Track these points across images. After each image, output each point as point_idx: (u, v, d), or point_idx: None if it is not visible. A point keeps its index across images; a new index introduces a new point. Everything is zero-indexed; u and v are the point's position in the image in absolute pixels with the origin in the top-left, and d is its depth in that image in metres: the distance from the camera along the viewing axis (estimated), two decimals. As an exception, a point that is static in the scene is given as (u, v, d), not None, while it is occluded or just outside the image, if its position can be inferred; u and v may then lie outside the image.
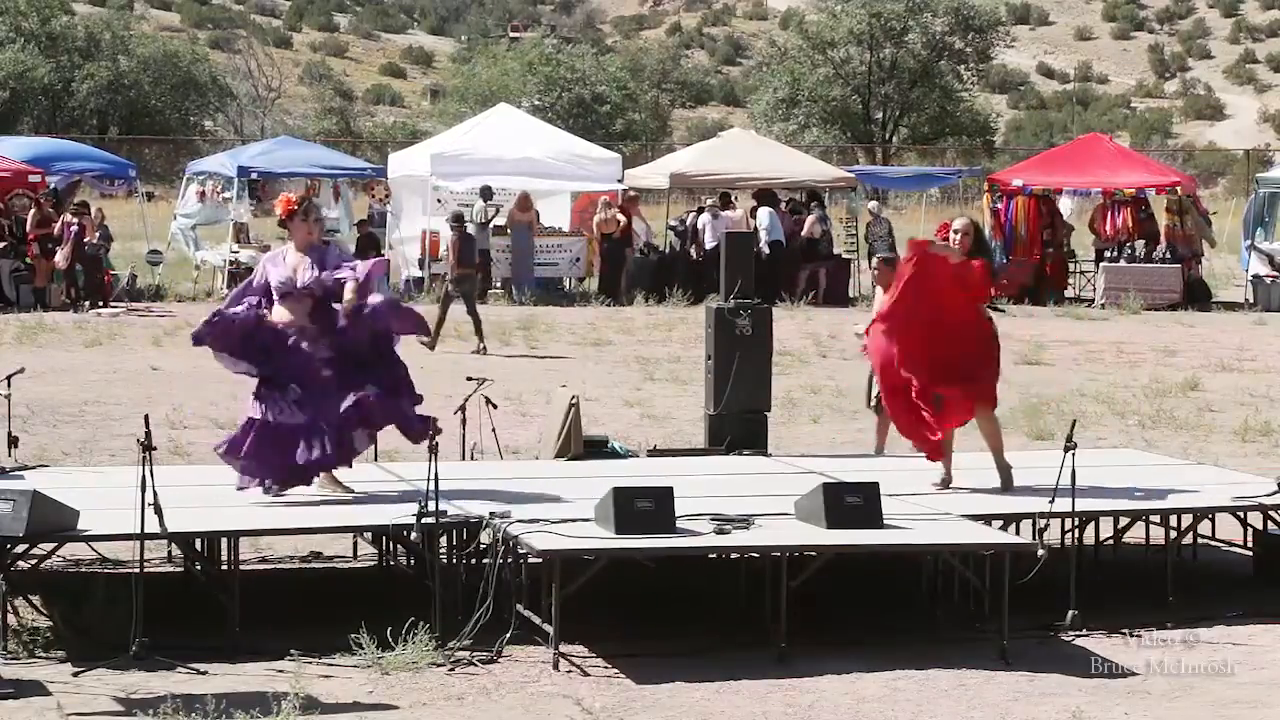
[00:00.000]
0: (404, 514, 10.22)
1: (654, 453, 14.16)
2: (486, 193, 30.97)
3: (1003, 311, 26.82)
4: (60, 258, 29.17)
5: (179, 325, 24.47)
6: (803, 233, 32.32)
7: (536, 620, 10.04)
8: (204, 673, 9.39)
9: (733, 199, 33.72)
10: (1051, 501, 10.76)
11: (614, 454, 13.38)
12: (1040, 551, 10.43)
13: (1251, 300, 32.81)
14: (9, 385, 12.85)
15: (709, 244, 30.67)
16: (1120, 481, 12.10)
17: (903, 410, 11.94)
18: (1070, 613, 10.54)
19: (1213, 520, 12.38)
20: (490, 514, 10.45)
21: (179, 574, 11.60)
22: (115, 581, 10.79)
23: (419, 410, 11.26)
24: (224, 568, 10.62)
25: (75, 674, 9.34)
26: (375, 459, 12.28)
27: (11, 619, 10.12)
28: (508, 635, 9.92)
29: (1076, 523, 11.58)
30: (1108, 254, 33.22)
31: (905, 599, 11.23)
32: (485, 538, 10.48)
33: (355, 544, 12.35)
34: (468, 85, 72.61)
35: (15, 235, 29.73)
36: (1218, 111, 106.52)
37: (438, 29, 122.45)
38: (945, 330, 11.80)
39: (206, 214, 34.34)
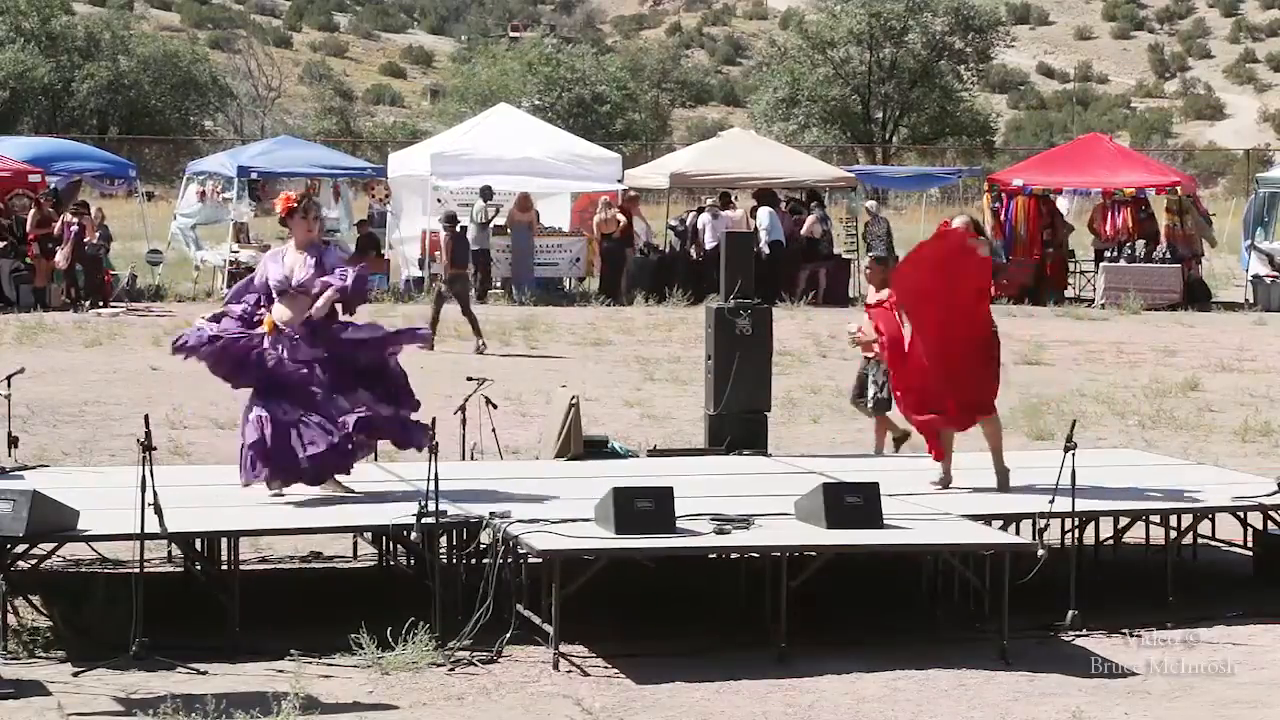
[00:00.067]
0: (404, 514, 10.23)
1: (654, 453, 14.17)
2: (486, 193, 30.97)
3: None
4: (60, 258, 29.17)
5: (179, 325, 24.38)
6: (802, 232, 32.31)
7: (536, 620, 10.05)
8: (204, 673, 9.39)
9: (733, 199, 33.71)
10: (1051, 501, 10.77)
11: (614, 454, 13.38)
12: (1040, 551, 10.43)
13: (1251, 300, 32.80)
14: (9, 385, 12.85)
15: (709, 244, 30.67)
16: (1120, 481, 12.10)
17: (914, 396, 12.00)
18: (1070, 613, 10.54)
19: (1213, 520, 12.38)
20: (490, 514, 10.45)
21: (179, 574, 11.60)
22: (115, 581, 10.79)
23: (416, 417, 11.29)
24: (224, 568, 10.63)
25: (75, 674, 9.34)
26: (375, 459, 12.28)
27: (11, 619, 10.12)
28: (508, 635, 9.92)
29: (1076, 523, 11.58)
30: (1108, 254, 33.21)
31: (905, 599, 11.23)
32: (485, 538, 10.49)
33: (355, 544, 12.35)
34: (468, 85, 72.60)
35: (15, 235, 29.73)
36: (1218, 111, 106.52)
37: (438, 29, 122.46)
38: (953, 341, 11.86)
39: (206, 214, 34.34)
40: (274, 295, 11.25)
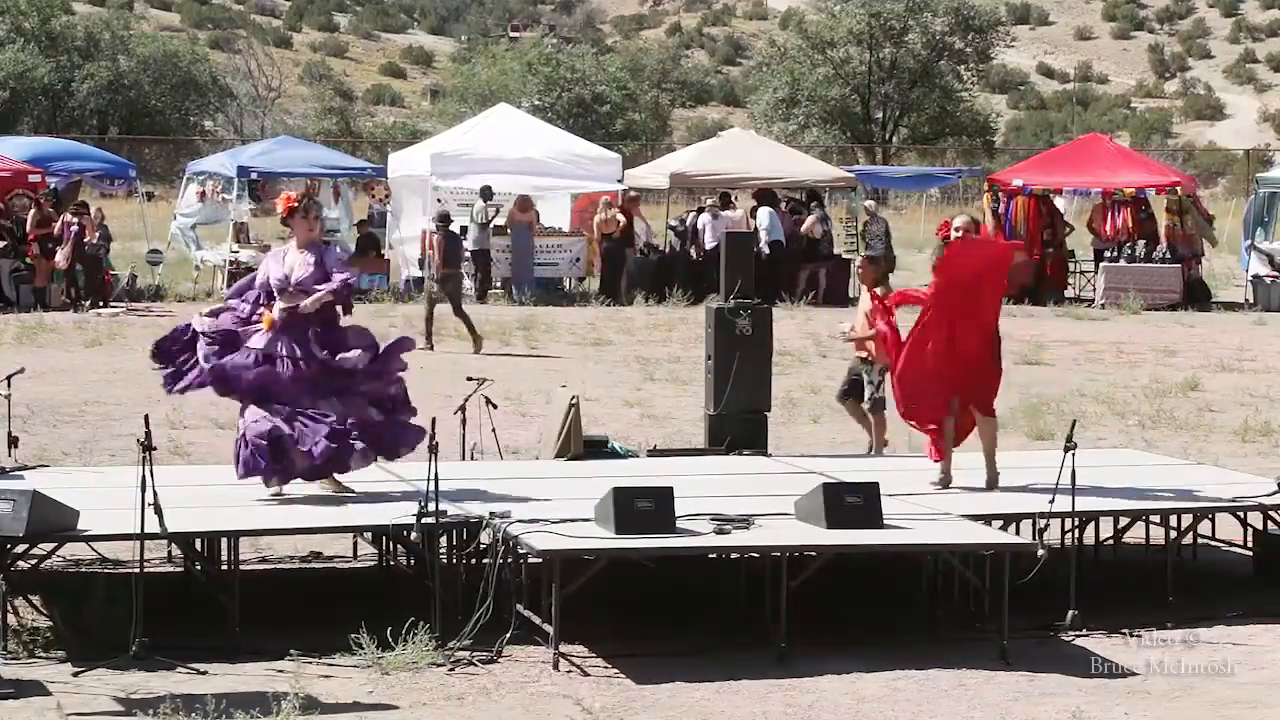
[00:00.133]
0: (404, 514, 10.23)
1: (654, 453, 14.17)
2: (486, 193, 30.97)
3: None
4: (60, 258, 29.17)
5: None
6: (802, 230, 32.29)
7: (536, 620, 10.05)
8: (204, 673, 9.39)
9: (733, 199, 33.70)
10: (1051, 501, 10.77)
11: (614, 454, 13.38)
12: (1040, 551, 10.44)
13: (1251, 300, 32.80)
14: (9, 385, 12.86)
15: (709, 244, 30.66)
16: (1120, 481, 12.10)
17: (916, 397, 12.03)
18: (1070, 613, 10.55)
19: (1213, 520, 12.38)
20: (490, 514, 10.45)
21: (179, 574, 11.60)
22: (115, 581, 10.79)
23: (415, 421, 11.32)
24: (224, 568, 10.63)
25: (75, 674, 9.34)
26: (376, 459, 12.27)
27: (11, 619, 10.13)
28: (508, 635, 9.92)
29: (1076, 523, 11.59)
30: (1108, 254, 33.20)
31: (905, 599, 11.23)
32: (485, 538, 10.49)
33: (355, 544, 12.35)
34: (468, 85, 72.61)
35: (15, 235, 29.73)
36: (1218, 111, 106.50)
37: (438, 29, 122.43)
38: (966, 335, 11.89)
39: (206, 214, 34.34)
40: (274, 294, 11.28)
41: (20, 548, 9.88)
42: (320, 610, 10.74)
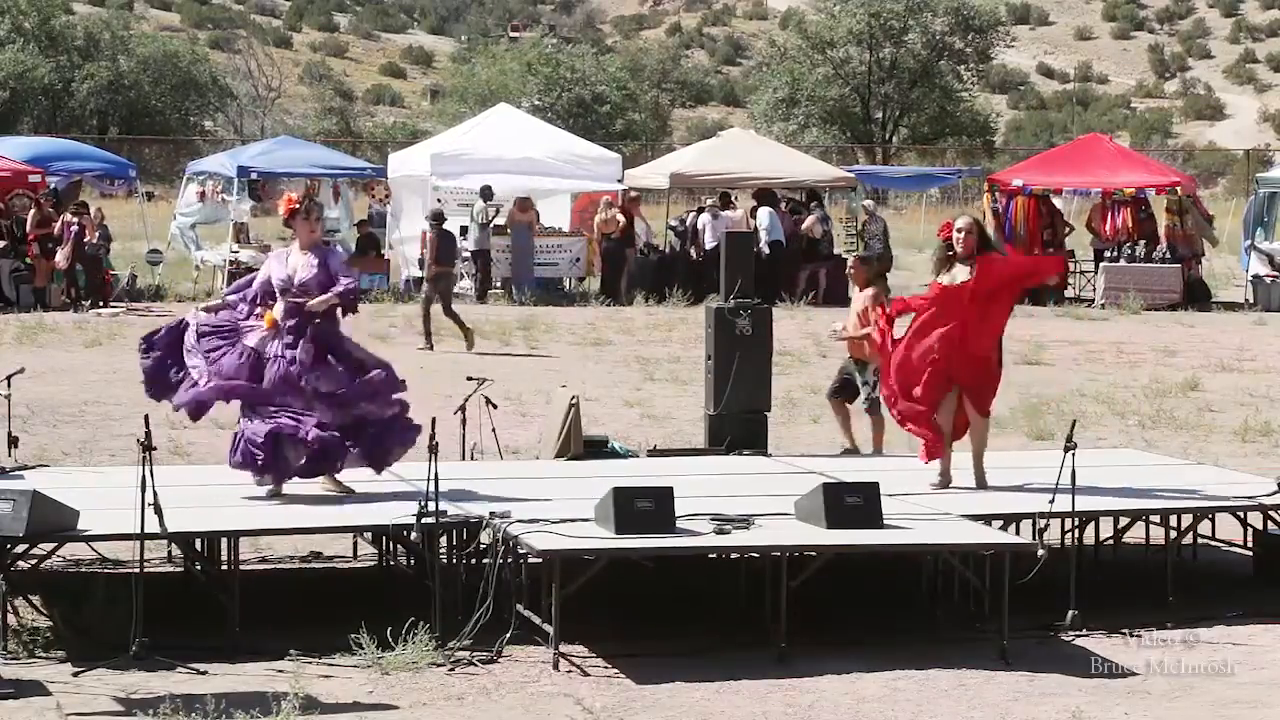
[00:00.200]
0: (404, 514, 10.23)
1: (654, 453, 14.17)
2: (487, 193, 30.97)
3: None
4: (60, 258, 29.17)
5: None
6: (803, 229, 32.29)
7: (536, 620, 10.05)
8: (204, 673, 9.39)
9: (733, 199, 33.71)
10: (1051, 501, 10.77)
11: (614, 454, 13.38)
12: (1040, 551, 10.44)
13: (1251, 300, 32.80)
14: (9, 385, 12.86)
15: (709, 244, 30.66)
16: (1120, 481, 12.10)
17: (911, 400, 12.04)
18: (1070, 613, 10.55)
19: (1213, 520, 12.38)
20: (490, 514, 10.45)
21: (179, 574, 11.60)
22: (115, 581, 10.79)
23: (410, 416, 11.34)
24: (224, 568, 10.63)
25: (75, 674, 9.34)
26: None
27: (11, 619, 10.13)
28: (508, 635, 9.92)
29: (1076, 523, 11.59)
30: (1108, 254, 33.21)
31: (905, 599, 11.23)
32: (485, 538, 10.49)
33: (355, 544, 12.35)
34: (468, 85, 72.62)
35: (15, 235, 29.73)
36: (1218, 111, 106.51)
37: (438, 29, 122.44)
38: (968, 348, 11.91)
39: (206, 214, 34.34)
40: (276, 294, 11.30)
41: (20, 548, 9.88)
42: (320, 610, 10.74)
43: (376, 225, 33.59)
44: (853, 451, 14.26)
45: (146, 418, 9.61)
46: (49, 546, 10.30)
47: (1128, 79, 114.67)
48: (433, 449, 10.09)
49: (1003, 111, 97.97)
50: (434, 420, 10.34)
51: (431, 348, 23.88)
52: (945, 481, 11.99)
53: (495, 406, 13.83)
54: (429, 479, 9.98)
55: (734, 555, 10.91)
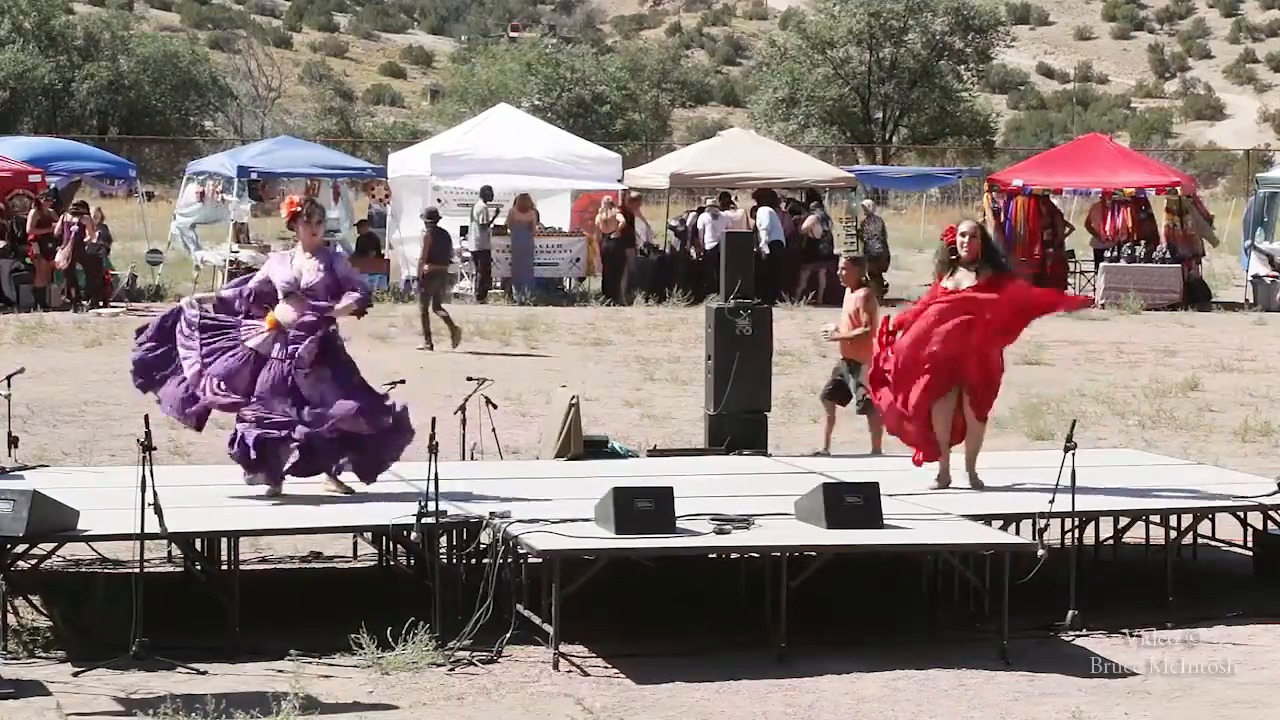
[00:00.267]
0: (404, 514, 10.23)
1: (654, 453, 14.17)
2: (487, 193, 30.97)
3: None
4: (60, 258, 29.17)
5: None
6: (803, 229, 32.28)
7: (536, 620, 10.05)
8: (204, 673, 9.40)
9: (733, 199, 33.70)
10: (1051, 501, 10.77)
11: (614, 454, 13.38)
12: (1040, 551, 10.44)
13: (1251, 300, 32.79)
14: (9, 385, 12.87)
15: (709, 244, 30.65)
16: (1120, 481, 12.10)
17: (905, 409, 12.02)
18: (1070, 613, 10.55)
19: (1213, 520, 12.38)
20: (490, 514, 10.45)
21: (179, 574, 11.60)
22: (115, 581, 10.79)
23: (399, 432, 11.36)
24: (224, 568, 10.63)
25: (75, 674, 9.34)
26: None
27: (11, 619, 10.13)
28: (508, 635, 9.93)
29: (1076, 523, 11.59)
30: (1108, 254, 33.20)
31: (905, 599, 11.23)
32: (485, 538, 10.49)
33: (355, 544, 12.35)
34: (468, 85, 72.59)
35: (15, 235, 29.73)
36: (1218, 111, 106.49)
37: (438, 29, 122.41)
38: (980, 351, 11.92)
39: (206, 214, 34.34)
40: (280, 295, 11.29)
41: (20, 548, 9.88)
42: (320, 610, 10.74)
43: (376, 225, 33.59)
44: (821, 454, 14.20)
45: (146, 418, 9.61)
46: (49, 546, 10.30)
47: (1128, 79, 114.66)
48: (433, 449, 10.10)
49: (1003, 111, 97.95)
50: (434, 420, 10.34)
51: (431, 348, 23.89)
52: (945, 481, 11.99)
53: (495, 406, 13.83)
54: (429, 479, 9.98)
55: (734, 555, 10.91)
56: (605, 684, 9.47)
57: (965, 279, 11.97)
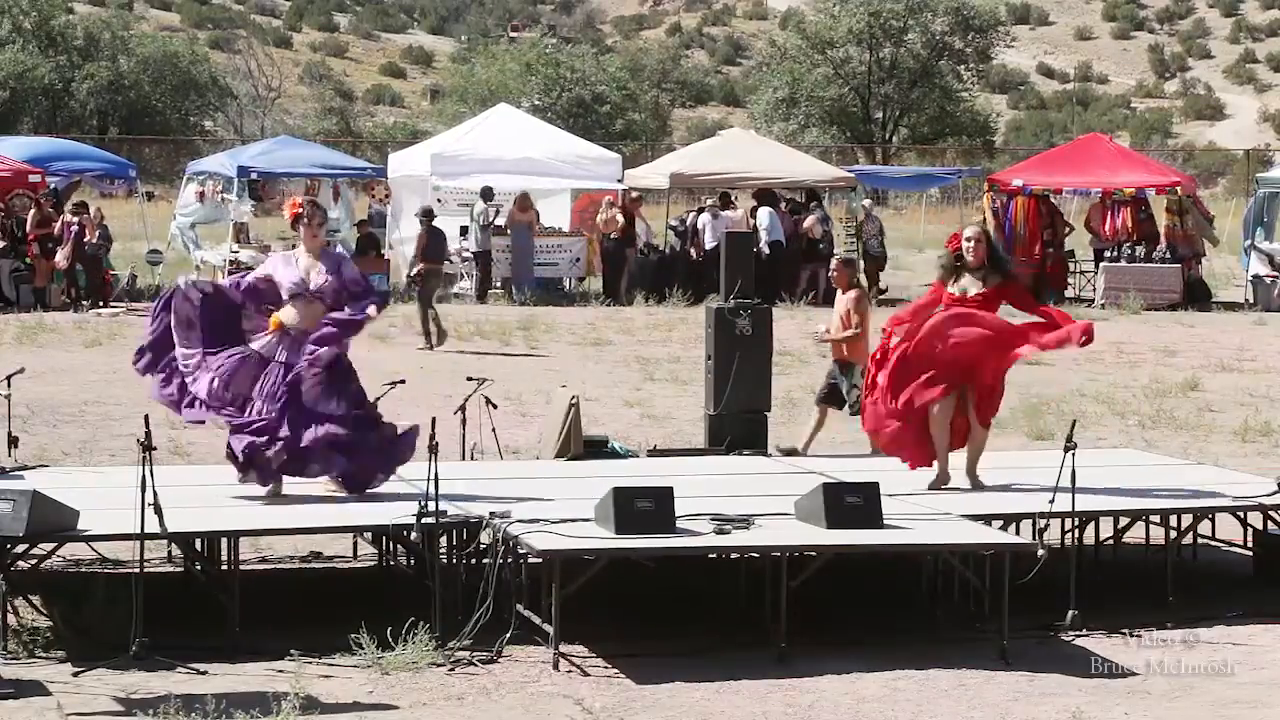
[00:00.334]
0: (404, 514, 10.23)
1: (654, 453, 14.17)
2: (487, 193, 30.97)
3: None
4: (60, 258, 29.17)
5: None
6: (803, 229, 32.27)
7: (536, 620, 10.05)
8: (204, 673, 9.40)
9: (733, 199, 33.70)
10: (1051, 501, 10.77)
11: (614, 454, 13.39)
12: (1040, 551, 10.44)
13: (1251, 300, 32.79)
14: (9, 385, 12.87)
15: (709, 244, 30.65)
16: (1120, 481, 12.10)
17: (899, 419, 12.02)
18: (1070, 613, 10.55)
19: (1213, 520, 12.38)
20: (490, 514, 10.46)
21: (179, 574, 11.60)
22: (115, 581, 10.79)
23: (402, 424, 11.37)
24: (224, 568, 10.63)
25: (75, 674, 9.34)
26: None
27: (11, 619, 10.13)
28: (508, 635, 9.93)
29: (1076, 523, 11.59)
30: (1108, 254, 33.20)
31: (905, 599, 11.23)
32: (485, 538, 10.49)
33: (355, 544, 12.35)
34: (467, 85, 72.57)
35: (15, 235, 29.73)
36: (1218, 111, 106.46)
37: (438, 29, 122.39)
38: (990, 355, 11.93)
39: (206, 214, 34.34)
40: (285, 296, 11.29)
41: (20, 548, 9.88)
42: (320, 610, 10.74)
43: (376, 225, 33.56)
44: (791, 452, 14.15)
45: (146, 418, 9.61)
46: (49, 546, 10.31)
47: (1128, 79, 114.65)
48: (433, 449, 10.10)
49: (1003, 111, 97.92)
50: (434, 420, 10.34)
51: (431, 348, 23.90)
52: (944, 481, 11.99)
53: (495, 406, 13.83)
54: (429, 479, 9.98)
55: (734, 555, 10.91)
56: (605, 684, 9.47)
57: (971, 285, 11.96)
